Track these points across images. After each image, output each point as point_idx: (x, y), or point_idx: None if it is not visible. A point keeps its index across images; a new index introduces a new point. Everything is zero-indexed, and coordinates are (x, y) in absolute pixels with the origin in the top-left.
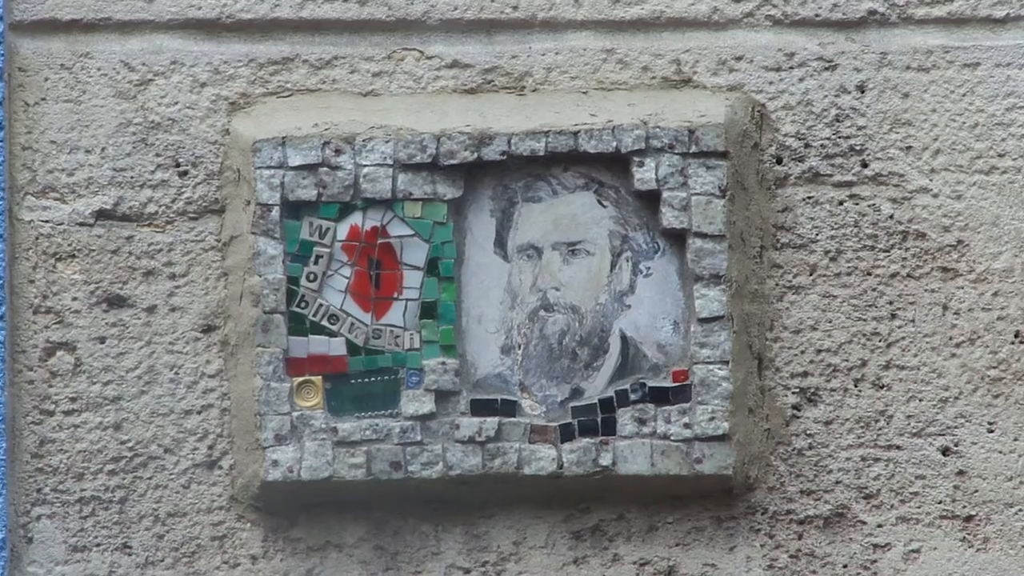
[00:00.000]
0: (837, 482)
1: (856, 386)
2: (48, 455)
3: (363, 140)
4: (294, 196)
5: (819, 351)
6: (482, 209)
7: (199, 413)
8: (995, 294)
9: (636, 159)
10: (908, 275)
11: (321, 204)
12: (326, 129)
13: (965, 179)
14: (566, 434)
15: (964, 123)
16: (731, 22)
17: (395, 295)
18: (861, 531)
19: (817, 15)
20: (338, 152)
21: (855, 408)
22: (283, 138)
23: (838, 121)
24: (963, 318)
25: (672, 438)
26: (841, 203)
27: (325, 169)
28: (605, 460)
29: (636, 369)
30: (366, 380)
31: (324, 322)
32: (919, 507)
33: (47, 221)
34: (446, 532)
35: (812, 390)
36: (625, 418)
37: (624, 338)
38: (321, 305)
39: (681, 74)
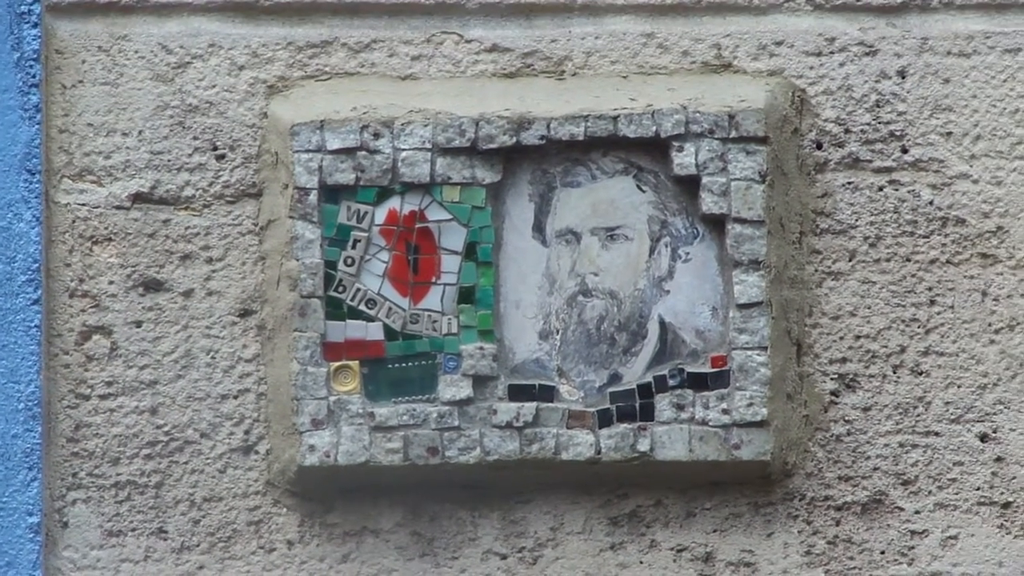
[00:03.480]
0: (875, 468)
1: (895, 372)
2: (84, 439)
3: (401, 124)
4: (332, 180)
5: (858, 337)
6: (520, 194)
7: (235, 398)
8: None
9: (676, 144)
10: (947, 261)
11: (359, 188)
12: (364, 113)
13: (1005, 165)
14: (604, 419)
15: (1005, 109)
16: (772, 7)
17: (433, 280)
18: (899, 517)
19: (858, 0)
20: (376, 136)
21: (893, 394)
22: (321, 122)
23: (878, 106)
24: (1002, 304)
25: (710, 424)
26: (881, 189)
27: (363, 153)
28: (643, 446)
29: (674, 355)
30: (403, 365)
31: (362, 307)
32: (957, 493)
33: (84, 204)
34: (483, 518)
35: (851, 376)
36: (663, 404)
37: (663, 323)
38: (359, 289)
39: (721, 59)
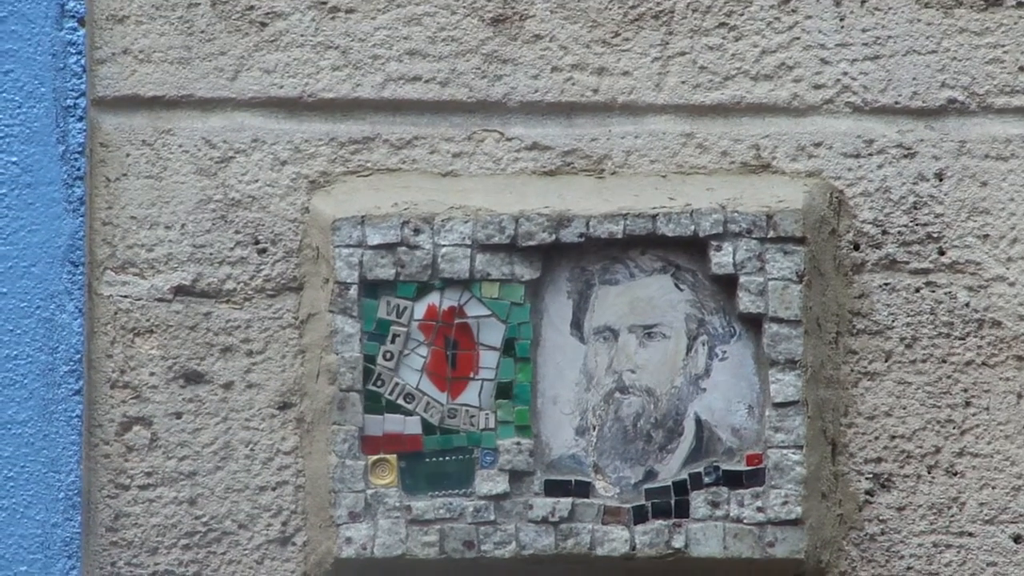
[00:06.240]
0: (909, 568)
1: (929, 473)
2: (123, 529)
3: (442, 220)
4: (372, 275)
5: (893, 437)
6: (559, 290)
7: (274, 489)
8: None
9: (714, 243)
10: (983, 363)
11: (399, 283)
12: (405, 208)
13: None
14: (639, 515)
15: None
16: (811, 108)
17: (471, 375)
18: None
19: (897, 103)
20: (417, 232)
21: (928, 495)
22: (362, 217)
23: (916, 208)
24: None
25: (745, 521)
26: (917, 290)
27: (404, 248)
28: (678, 542)
29: (710, 452)
30: (441, 459)
31: (400, 401)
32: None
33: (126, 296)
34: None
35: (885, 476)
36: (698, 500)
37: (699, 421)
38: (397, 384)
39: (760, 159)
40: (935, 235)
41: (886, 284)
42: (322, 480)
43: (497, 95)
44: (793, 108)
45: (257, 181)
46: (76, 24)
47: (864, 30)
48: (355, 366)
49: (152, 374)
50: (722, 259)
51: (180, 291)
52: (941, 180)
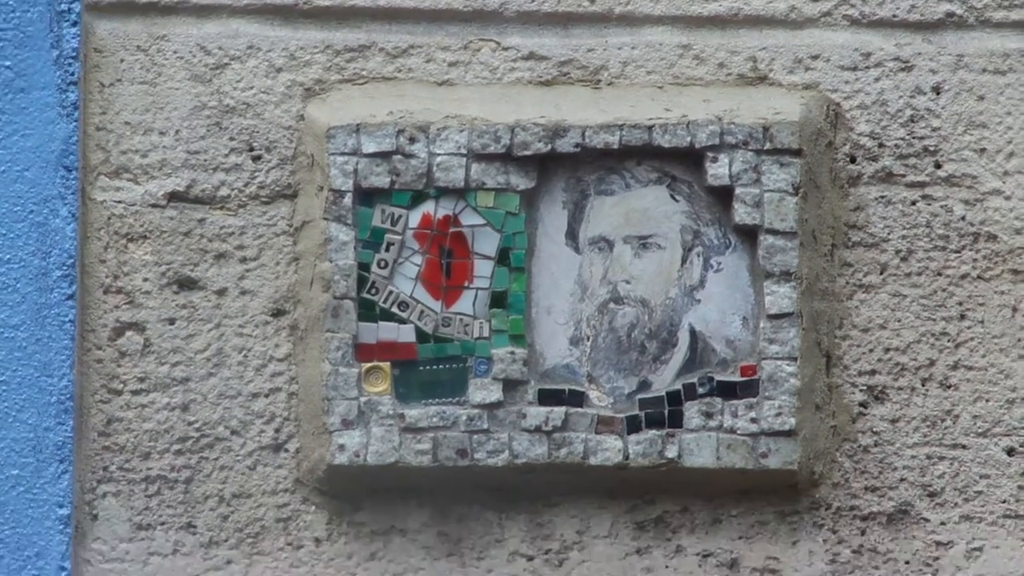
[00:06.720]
0: (901, 479)
1: (923, 385)
2: (115, 434)
3: (437, 129)
4: (367, 183)
5: (887, 350)
6: (554, 201)
7: (267, 396)
8: None
9: (710, 155)
10: (978, 276)
11: (394, 192)
12: (401, 117)
13: None
14: (633, 426)
15: None
16: (808, 21)
17: (465, 284)
18: (924, 528)
19: (895, 16)
20: (412, 140)
21: (922, 407)
22: (357, 125)
23: (913, 122)
24: None
25: (738, 432)
26: (913, 203)
27: (399, 157)
28: (671, 452)
29: (704, 363)
30: (434, 367)
31: (394, 309)
32: (983, 506)
33: (120, 202)
34: (510, 520)
35: (879, 388)
36: (692, 411)
37: (693, 332)
38: (391, 292)
39: (757, 71)
40: (932, 148)
41: (882, 197)
42: (315, 387)
43: (494, 4)
44: (791, 20)
45: (252, 88)
46: None
47: None
48: (349, 274)
49: (145, 280)
50: (718, 171)
51: (174, 197)
52: (938, 94)
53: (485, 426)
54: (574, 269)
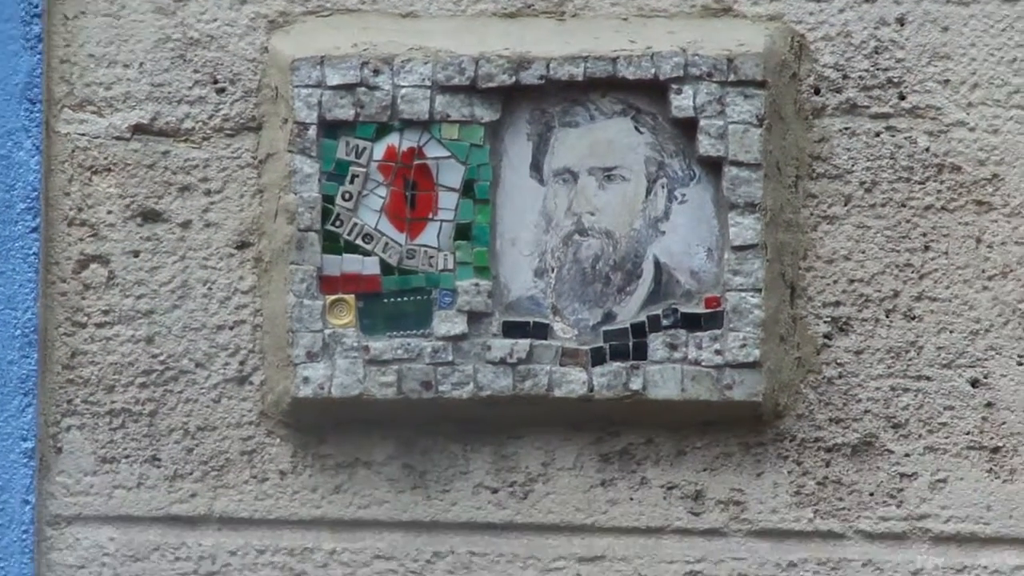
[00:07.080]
0: (866, 411)
1: (887, 316)
2: (79, 367)
3: (401, 61)
4: (331, 115)
5: (851, 281)
6: (519, 133)
7: (231, 329)
8: None
9: (674, 86)
10: (942, 208)
11: (358, 124)
12: (365, 49)
13: (1002, 113)
14: (597, 358)
15: (1002, 58)
16: None
17: (430, 216)
18: (888, 460)
19: None
20: (376, 72)
21: (886, 338)
22: (321, 57)
23: (876, 53)
24: (996, 251)
25: (703, 364)
26: (877, 135)
27: (363, 89)
28: (635, 384)
29: (669, 295)
30: (399, 300)
31: (358, 241)
32: (947, 438)
33: (83, 134)
34: (475, 452)
35: (844, 320)
36: (656, 343)
37: (658, 264)
38: (356, 224)
39: (721, 3)
40: (896, 80)
41: (846, 128)
42: (280, 320)
43: None
44: None
45: (216, 20)
46: None
47: None
48: (313, 206)
49: (109, 212)
50: (682, 102)
51: (138, 129)
52: (902, 25)
53: (450, 358)
54: (539, 201)
